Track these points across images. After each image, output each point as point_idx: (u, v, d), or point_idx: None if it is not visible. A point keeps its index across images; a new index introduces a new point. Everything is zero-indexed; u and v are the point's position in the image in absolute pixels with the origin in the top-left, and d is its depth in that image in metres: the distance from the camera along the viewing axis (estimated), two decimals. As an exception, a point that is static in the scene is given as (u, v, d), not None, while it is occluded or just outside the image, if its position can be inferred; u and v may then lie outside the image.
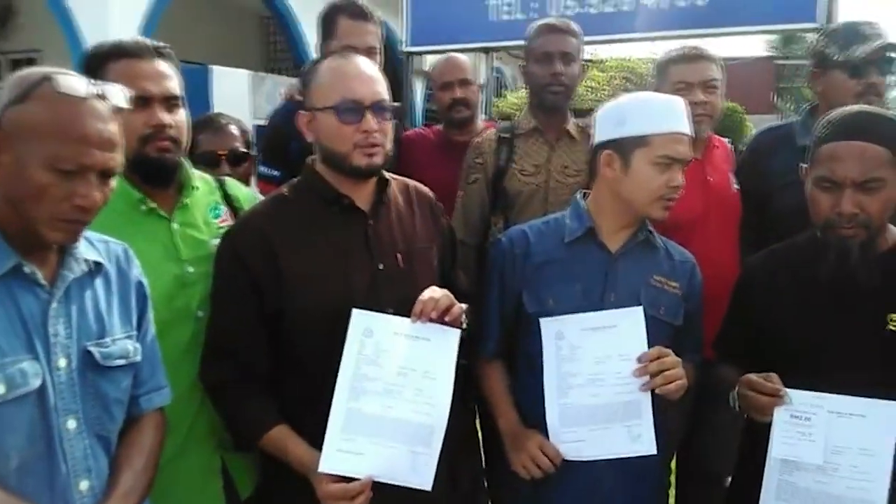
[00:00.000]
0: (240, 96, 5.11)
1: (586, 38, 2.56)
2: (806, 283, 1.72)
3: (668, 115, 1.76)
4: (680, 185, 1.74)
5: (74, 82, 1.23)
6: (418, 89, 6.08)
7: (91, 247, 1.40)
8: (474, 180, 2.50)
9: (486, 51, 5.11)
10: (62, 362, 1.28)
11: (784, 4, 3.94)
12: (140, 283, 1.49)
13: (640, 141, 1.74)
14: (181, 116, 1.70)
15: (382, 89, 1.67)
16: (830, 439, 1.57)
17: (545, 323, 1.71)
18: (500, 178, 2.45)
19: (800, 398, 1.60)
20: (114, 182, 1.30)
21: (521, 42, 2.61)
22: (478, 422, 2.51)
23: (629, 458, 1.72)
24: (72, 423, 1.29)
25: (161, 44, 1.73)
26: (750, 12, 4.04)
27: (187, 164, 1.79)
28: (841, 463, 1.57)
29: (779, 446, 1.61)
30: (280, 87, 4.77)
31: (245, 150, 2.46)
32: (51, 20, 6.09)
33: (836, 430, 1.57)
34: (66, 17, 5.89)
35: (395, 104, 1.70)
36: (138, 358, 1.43)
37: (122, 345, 1.39)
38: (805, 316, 1.70)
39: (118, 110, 1.29)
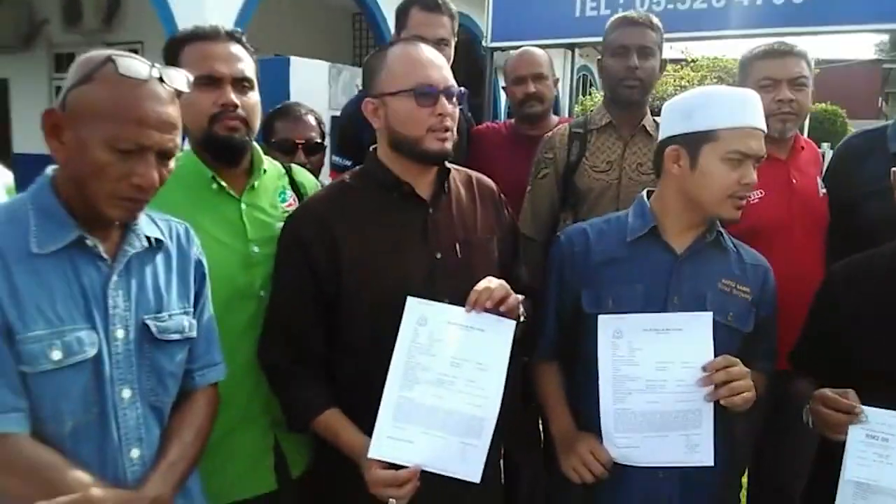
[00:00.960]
0: (318, 87, 5.18)
1: (675, 35, 2.48)
2: (892, 296, 1.60)
3: (738, 108, 1.66)
4: (752, 183, 1.65)
5: (135, 65, 1.27)
6: (501, 85, 6.05)
7: (153, 224, 1.44)
8: (544, 175, 2.45)
9: (570, 47, 5.03)
10: (120, 333, 1.33)
11: (890, 2, 3.69)
12: (199, 262, 1.53)
13: (709, 136, 1.65)
14: (252, 99, 1.73)
15: (450, 75, 1.67)
16: None
17: (603, 320, 1.65)
18: (571, 173, 2.39)
19: (877, 417, 1.50)
20: (172, 163, 1.33)
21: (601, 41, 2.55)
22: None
23: (688, 469, 1.65)
24: (126, 393, 1.34)
25: (235, 29, 1.78)
26: (853, 11, 3.81)
27: (258, 147, 1.83)
28: None
29: (853, 468, 1.51)
30: (357, 78, 4.82)
31: (320, 141, 2.52)
32: (152, 14, 6.41)
33: None
34: (165, 11, 6.19)
35: (462, 89, 1.69)
36: (193, 334, 1.47)
37: (178, 320, 1.43)
38: (889, 331, 1.58)
39: (179, 93, 1.32)
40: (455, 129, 1.67)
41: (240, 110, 1.69)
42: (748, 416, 1.74)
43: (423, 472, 1.51)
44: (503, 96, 5.67)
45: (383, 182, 1.69)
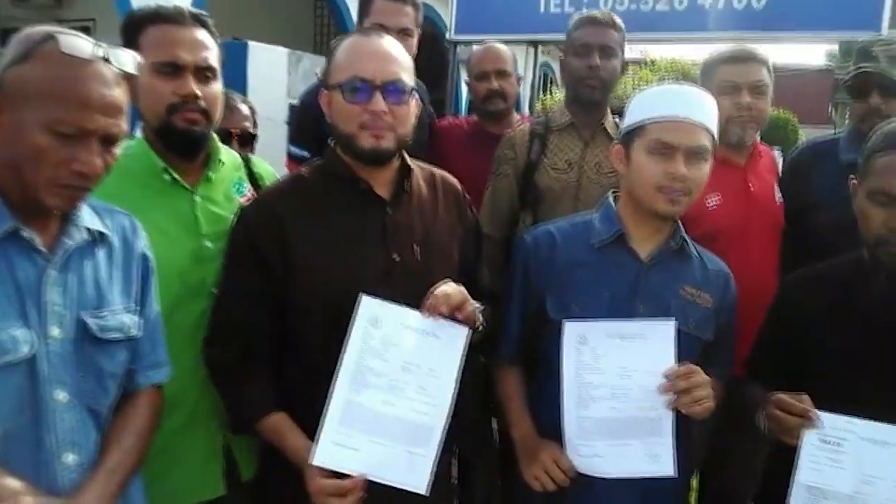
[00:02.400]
0: (276, 74, 5.03)
1: (638, 36, 2.46)
2: (847, 306, 1.63)
3: (664, 101, 1.67)
4: (680, 175, 1.61)
5: (79, 43, 1.19)
6: (463, 80, 6.02)
7: (95, 216, 1.36)
8: (504, 173, 2.43)
9: (534, 43, 5.01)
10: (56, 331, 1.25)
11: (847, 12, 3.77)
12: (145, 257, 1.45)
13: (637, 130, 1.67)
14: (214, 89, 1.66)
15: (399, 69, 1.58)
16: (862, 468, 1.48)
17: (569, 326, 1.63)
18: (531, 172, 2.38)
19: (831, 422, 1.52)
20: (117, 150, 1.26)
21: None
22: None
23: (648, 478, 1.64)
24: (62, 395, 1.26)
25: (201, 12, 1.69)
26: (811, 18, 3.87)
27: (215, 138, 1.76)
28: (872, 494, 1.47)
29: (806, 472, 1.52)
30: (317, 66, 4.71)
31: (253, 131, 2.50)
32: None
33: (868, 459, 1.48)
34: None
35: (414, 86, 1.62)
36: (136, 332, 1.40)
37: (120, 318, 1.36)
38: (844, 340, 1.61)
39: (128, 76, 1.25)
40: (402, 126, 1.59)
41: (201, 101, 1.61)
42: (704, 422, 1.74)
43: (368, 481, 1.47)
44: (465, 91, 5.64)
45: (341, 178, 1.63)
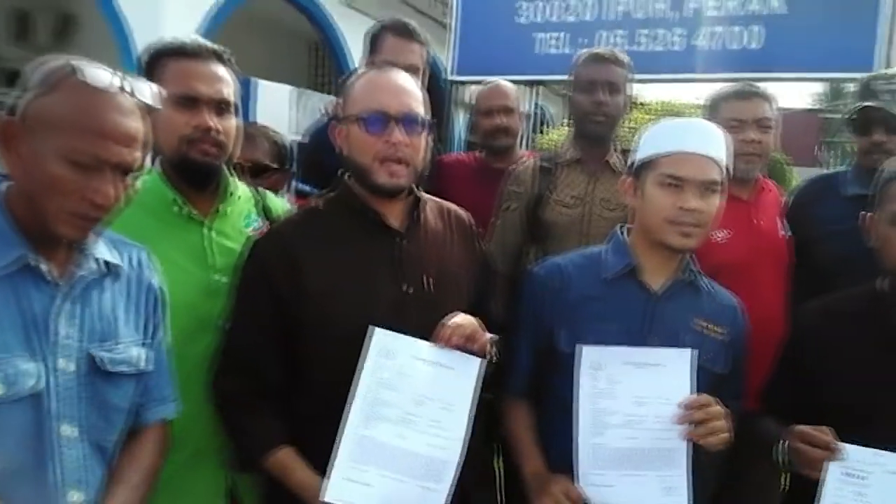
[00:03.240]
0: (281, 111, 5.12)
1: (634, 77, 2.50)
2: (865, 337, 1.62)
3: (677, 135, 1.68)
4: (692, 209, 1.62)
5: (100, 74, 1.20)
6: (460, 120, 6.09)
7: (110, 247, 1.35)
8: (512, 208, 2.44)
9: (531, 84, 5.09)
10: (64, 364, 1.23)
11: (841, 51, 3.86)
12: (158, 290, 1.44)
13: (649, 164, 1.68)
14: (230, 123, 1.67)
15: (414, 103, 1.61)
16: (887, 502, 1.45)
17: (584, 351, 1.60)
18: (538, 207, 2.38)
19: (856, 454, 1.49)
20: (135, 180, 1.25)
21: (567, 77, 2.57)
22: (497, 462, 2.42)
23: None
24: (69, 430, 1.23)
25: (222, 48, 1.71)
26: (805, 58, 3.97)
27: (229, 172, 1.76)
28: None
29: None
30: (320, 103, 4.77)
31: (268, 164, 2.44)
32: (106, 31, 6.22)
33: (894, 493, 1.45)
34: (120, 28, 6.00)
35: (429, 119, 1.64)
36: (146, 366, 1.37)
37: (130, 351, 1.34)
38: (862, 371, 1.60)
39: (147, 107, 1.25)
40: (417, 160, 1.61)
41: (217, 135, 1.62)
42: (715, 456, 1.72)
43: None
44: (459, 130, 5.70)
45: (353, 209, 1.63)
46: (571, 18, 4.53)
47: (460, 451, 1.49)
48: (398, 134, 1.55)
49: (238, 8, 6.41)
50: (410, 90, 1.62)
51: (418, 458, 1.46)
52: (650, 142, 1.71)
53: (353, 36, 7.93)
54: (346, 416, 1.44)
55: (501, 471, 2.47)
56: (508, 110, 2.87)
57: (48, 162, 1.16)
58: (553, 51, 4.60)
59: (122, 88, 1.21)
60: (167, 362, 1.46)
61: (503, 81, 3.03)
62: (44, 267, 1.22)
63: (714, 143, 1.67)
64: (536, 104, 5.48)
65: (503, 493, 2.40)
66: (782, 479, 2.11)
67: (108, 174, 1.19)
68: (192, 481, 1.64)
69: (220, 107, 1.64)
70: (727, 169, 1.69)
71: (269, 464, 1.55)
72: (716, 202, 1.66)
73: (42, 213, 1.18)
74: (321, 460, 1.46)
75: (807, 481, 1.55)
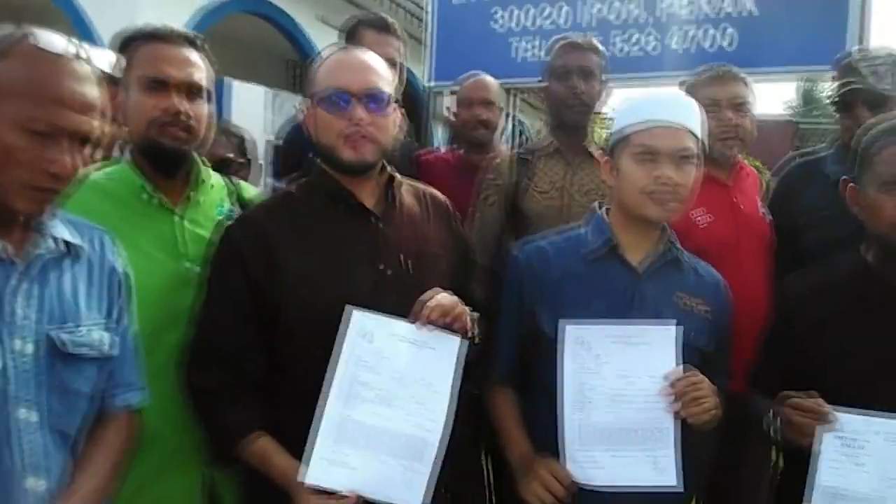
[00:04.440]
0: (256, 112, 5.07)
1: (611, 79, 2.50)
2: (854, 307, 1.61)
3: (647, 107, 1.66)
4: (669, 179, 1.59)
5: (54, 39, 1.16)
6: (439, 134, 6.09)
7: (70, 228, 1.30)
8: (490, 200, 2.42)
9: (509, 90, 5.09)
10: (21, 346, 1.17)
11: (812, 50, 3.89)
12: (122, 273, 1.38)
13: (622, 138, 1.66)
14: (201, 108, 1.63)
15: (379, 80, 1.57)
16: (885, 468, 1.43)
17: (568, 328, 1.57)
18: (518, 197, 2.37)
19: (850, 421, 1.47)
20: (94, 151, 1.21)
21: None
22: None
23: (652, 493, 1.56)
24: (27, 414, 1.17)
25: (194, 34, 1.69)
26: (779, 56, 3.99)
27: (201, 160, 1.72)
28: (893, 495, 1.42)
29: (825, 474, 1.46)
30: (295, 103, 4.75)
31: (230, 157, 2.45)
32: (70, 30, 6.17)
33: (891, 458, 1.43)
34: (86, 31, 5.92)
35: (393, 95, 1.61)
36: (110, 350, 1.31)
37: (94, 335, 1.28)
38: (857, 341, 1.58)
39: (105, 76, 1.21)
40: (384, 137, 1.58)
41: (187, 119, 1.58)
42: (708, 438, 1.69)
43: (361, 499, 1.39)
44: (438, 142, 5.69)
45: (328, 191, 1.59)
46: (547, 24, 4.55)
47: (444, 432, 1.45)
48: (361, 111, 1.52)
49: (213, 24, 6.38)
50: (374, 67, 1.59)
51: (400, 437, 1.43)
52: (622, 116, 1.69)
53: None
54: (324, 397, 1.40)
55: (491, 470, 2.43)
56: (488, 103, 2.87)
57: (3, 132, 1.11)
58: (530, 56, 4.60)
59: (77, 55, 1.17)
60: (134, 349, 1.41)
61: (485, 75, 3.03)
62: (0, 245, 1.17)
63: (685, 113, 1.65)
64: (514, 116, 5.49)
65: (493, 491, 2.36)
66: (773, 455, 2.09)
67: (65, 143, 1.14)
68: (169, 482, 1.59)
69: (192, 91, 1.60)
70: (700, 139, 1.67)
71: (247, 453, 1.49)
72: (691, 172, 1.64)
73: None
74: (301, 448, 1.42)
75: (801, 458, 1.52)
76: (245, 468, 1.56)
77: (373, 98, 1.54)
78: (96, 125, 1.18)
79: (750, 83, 2.35)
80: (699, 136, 1.66)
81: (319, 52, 1.68)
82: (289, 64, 9.64)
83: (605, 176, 1.74)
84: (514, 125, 5.34)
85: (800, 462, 1.53)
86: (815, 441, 1.48)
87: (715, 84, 2.29)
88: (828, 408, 1.48)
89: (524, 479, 1.61)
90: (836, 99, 2.25)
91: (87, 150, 1.19)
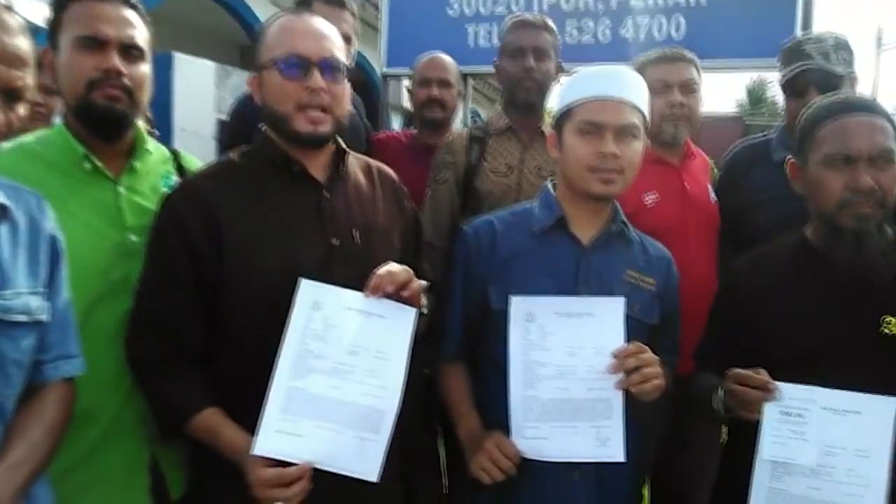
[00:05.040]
0: (204, 88, 4.82)
1: (565, 67, 2.50)
2: (797, 282, 1.64)
3: (592, 81, 1.66)
4: (612, 154, 1.60)
5: None
6: (395, 122, 6.04)
7: (2, 190, 1.25)
8: (444, 179, 2.40)
9: (465, 77, 5.08)
10: None
11: (761, 42, 3.97)
12: (54, 238, 1.33)
13: (567, 113, 1.67)
14: (140, 70, 1.57)
15: (335, 48, 1.54)
16: (824, 439, 1.45)
17: (516, 302, 1.57)
18: (471, 177, 2.35)
19: (791, 392, 1.49)
20: (22, 109, 1.15)
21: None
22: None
23: (602, 470, 1.60)
24: None
25: None
26: (727, 48, 4.06)
27: (141, 126, 1.66)
28: (836, 466, 1.44)
29: (768, 446, 1.48)
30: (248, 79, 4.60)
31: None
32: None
33: (830, 429, 1.45)
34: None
35: (348, 65, 1.58)
36: (44, 317, 1.27)
37: (25, 300, 1.23)
38: (798, 318, 1.60)
39: (32, 29, 1.16)
40: (339, 108, 1.55)
41: (124, 79, 1.52)
42: (653, 412, 1.71)
43: (315, 471, 1.37)
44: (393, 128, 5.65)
45: (274, 161, 1.56)
46: (501, 10, 4.54)
47: (397, 401, 1.44)
48: (318, 79, 1.49)
49: (160, 4, 6.14)
50: (330, 35, 1.56)
51: (354, 407, 1.41)
52: (567, 91, 1.70)
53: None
54: (275, 368, 1.38)
55: (444, 455, 2.41)
56: (445, 83, 2.84)
57: None
58: (484, 43, 4.59)
59: (6, 6, 1.12)
60: (69, 317, 1.36)
61: (442, 54, 2.98)
62: None
63: (630, 88, 1.66)
64: (470, 110, 5.47)
65: (448, 476, 2.34)
66: (723, 436, 2.12)
67: None
68: (108, 458, 1.53)
69: (130, 52, 1.54)
70: (645, 114, 1.68)
71: (194, 427, 1.46)
72: (636, 147, 1.65)
73: None
74: (249, 422, 1.39)
75: (745, 434, 1.54)
76: (191, 445, 1.52)
77: (330, 67, 1.51)
78: (29, 82, 1.13)
79: (699, 66, 2.39)
80: (644, 112, 1.67)
81: (270, 18, 1.63)
82: (243, 51, 9.46)
83: (550, 150, 1.75)
84: (468, 114, 5.33)
85: (745, 438, 1.55)
86: (761, 414, 1.50)
87: (665, 65, 2.32)
88: (773, 382, 1.50)
89: (472, 454, 1.61)
90: (787, 82, 2.27)
91: (21, 108, 1.14)
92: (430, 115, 2.83)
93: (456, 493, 1.93)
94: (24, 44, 1.13)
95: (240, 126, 2.53)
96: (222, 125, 2.68)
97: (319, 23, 1.57)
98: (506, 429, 1.58)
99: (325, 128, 1.52)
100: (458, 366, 1.77)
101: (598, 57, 4.38)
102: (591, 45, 4.47)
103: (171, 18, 6.59)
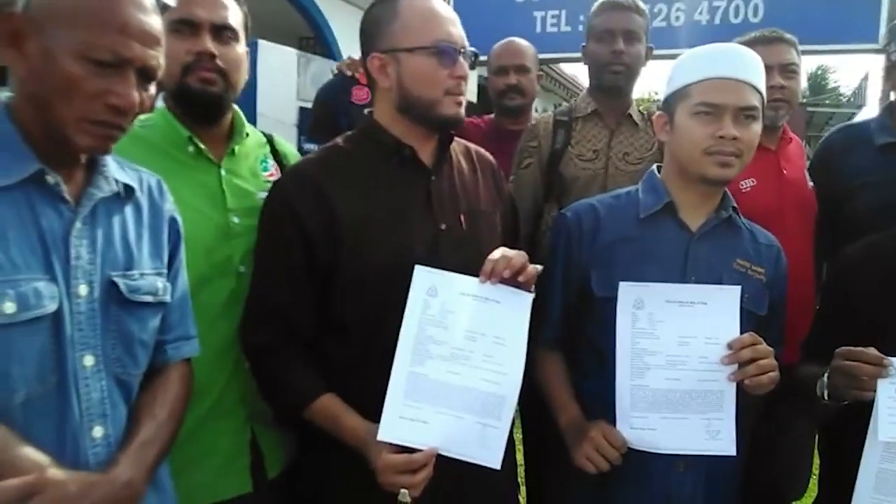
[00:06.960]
0: (286, 74, 4.79)
1: None
2: None
3: (709, 61, 1.59)
4: (729, 136, 1.53)
5: None
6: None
7: (123, 171, 1.26)
8: (528, 165, 2.36)
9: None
10: (83, 289, 1.13)
11: (845, 23, 3.81)
12: (173, 220, 1.35)
13: (682, 93, 1.59)
14: (234, 51, 1.57)
15: (463, 35, 1.55)
16: None
17: (624, 287, 1.52)
18: (556, 162, 2.30)
19: None
20: (153, 89, 1.16)
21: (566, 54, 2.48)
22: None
23: (711, 461, 1.54)
24: (89, 360, 1.14)
25: None
26: (809, 29, 3.90)
27: (239, 109, 1.67)
28: None
29: (884, 427, 1.41)
30: (326, 68, 4.55)
31: None
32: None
33: None
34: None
35: (474, 50, 1.57)
36: (168, 298, 1.28)
37: (150, 280, 1.24)
38: None
39: (164, 8, 1.18)
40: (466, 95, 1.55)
41: (218, 61, 1.52)
42: (756, 405, 1.65)
43: (438, 457, 1.36)
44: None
45: (383, 145, 1.55)
46: (572, -5, 4.45)
47: (517, 386, 1.42)
48: (465, 67, 1.50)
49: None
50: (457, 21, 1.55)
51: (475, 393, 1.40)
52: (681, 71, 1.63)
53: (345, 30, 7.83)
54: (396, 355, 1.38)
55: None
56: (523, 69, 2.78)
57: (62, 60, 1.05)
58: (552, 29, 4.51)
59: None
60: (187, 299, 1.37)
61: (518, 39, 2.93)
62: (61, 185, 1.12)
63: (750, 68, 1.59)
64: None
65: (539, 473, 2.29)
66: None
67: (132, 77, 1.09)
68: (212, 437, 1.55)
69: (223, 33, 1.54)
70: (763, 96, 1.61)
71: (313, 412, 1.46)
72: (755, 129, 1.58)
73: (57, 120, 1.08)
74: (364, 409, 1.40)
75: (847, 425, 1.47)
76: (300, 427, 1.53)
77: (468, 53, 1.53)
78: (162, 63, 1.14)
79: (798, 48, 2.29)
80: (763, 92, 1.60)
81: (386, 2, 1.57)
82: (301, 42, 9.54)
83: (658, 132, 1.69)
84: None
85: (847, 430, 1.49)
86: (877, 391, 1.43)
87: (764, 47, 2.21)
88: (888, 359, 1.43)
89: (575, 444, 1.57)
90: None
91: (152, 88, 1.14)
92: (509, 103, 2.79)
93: (553, 489, 1.85)
94: (157, 23, 1.14)
95: (324, 113, 2.54)
96: (302, 112, 2.67)
97: (449, 8, 1.56)
98: (602, 415, 1.54)
99: (463, 111, 1.54)
100: (556, 353, 1.72)
101: (671, 42, 4.27)
102: (662, 28, 4.35)
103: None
